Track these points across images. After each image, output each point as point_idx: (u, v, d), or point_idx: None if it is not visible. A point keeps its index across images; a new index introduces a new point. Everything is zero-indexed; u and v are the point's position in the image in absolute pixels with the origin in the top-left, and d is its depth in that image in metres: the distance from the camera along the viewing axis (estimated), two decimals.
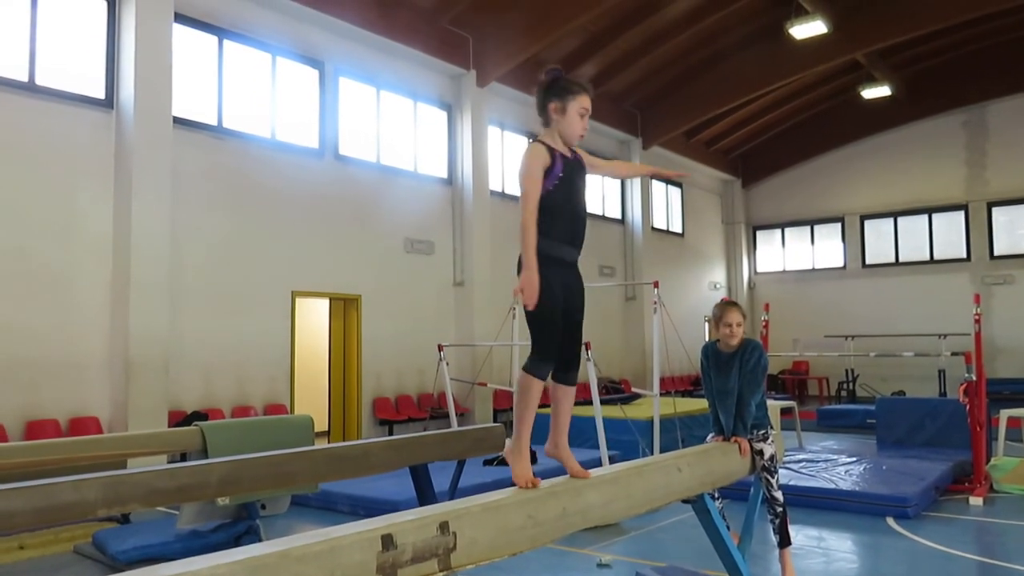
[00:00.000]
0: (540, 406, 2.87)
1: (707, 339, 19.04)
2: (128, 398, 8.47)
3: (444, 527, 2.10)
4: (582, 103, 2.87)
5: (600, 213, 16.91)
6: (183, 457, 6.04)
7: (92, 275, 8.61)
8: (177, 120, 9.29)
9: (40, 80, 8.43)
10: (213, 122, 9.98)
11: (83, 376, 8.49)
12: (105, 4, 8.96)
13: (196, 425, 5.11)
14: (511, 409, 10.96)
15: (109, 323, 8.67)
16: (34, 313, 8.16)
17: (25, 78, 8.32)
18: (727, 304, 4.34)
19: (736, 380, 4.23)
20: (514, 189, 14.55)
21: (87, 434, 7.85)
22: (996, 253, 18.78)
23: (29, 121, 8.28)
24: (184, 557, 1.76)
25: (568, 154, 2.87)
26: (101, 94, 8.87)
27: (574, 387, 2.90)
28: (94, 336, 8.59)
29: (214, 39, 10.06)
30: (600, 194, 16.97)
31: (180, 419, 8.80)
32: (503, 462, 8.03)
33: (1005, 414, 8.59)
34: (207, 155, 9.83)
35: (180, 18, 9.49)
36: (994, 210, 18.85)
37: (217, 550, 1.87)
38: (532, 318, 2.75)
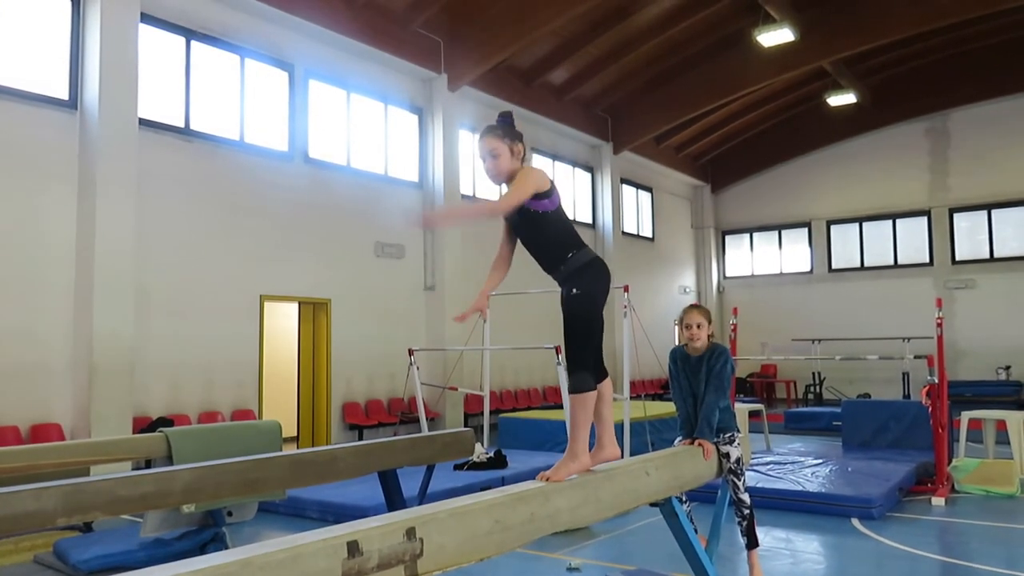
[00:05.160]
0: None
1: (676, 343, 19.28)
2: (91, 404, 8.31)
3: (411, 533, 2.09)
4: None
5: (571, 218, 16.92)
6: (148, 464, 5.95)
7: (55, 278, 8.44)
8: (143, 122, 9.17)
9: (1, 80, 8.26)
10: (180, 124, 9.85)
11: (45, 382, 8.32)
12: (69, 3, 8.80)
13: (161, 431, 5.04)
14: (481, 413, 10.86)
15: (72, 327, 8.50)
16: None
17: None
18: (688, 307, 4.39)
19: (704, 384, 4.25)
20: (485, 193, 14.55)
21: (48, 441, 7.70)
22: (958, 258, 19.15)
23: None
24: (148, 566, 1.73)
25: None
26: (65, 95, 8.71)
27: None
28: (57, 341, 8.42)
29: (182, 40, 9.94)
30: (571, 199, 17.04)
31: (145, 425, 8.66)
32: (474, 466, 8.01)
33: (966, 416, 8.77)
34: (174, 157, 9.70)
35: (147, 18, 9.36)
36: (955, 216, 19.24)
37: (182, 558, 1.84)
38: (585, 330, 2.96)
